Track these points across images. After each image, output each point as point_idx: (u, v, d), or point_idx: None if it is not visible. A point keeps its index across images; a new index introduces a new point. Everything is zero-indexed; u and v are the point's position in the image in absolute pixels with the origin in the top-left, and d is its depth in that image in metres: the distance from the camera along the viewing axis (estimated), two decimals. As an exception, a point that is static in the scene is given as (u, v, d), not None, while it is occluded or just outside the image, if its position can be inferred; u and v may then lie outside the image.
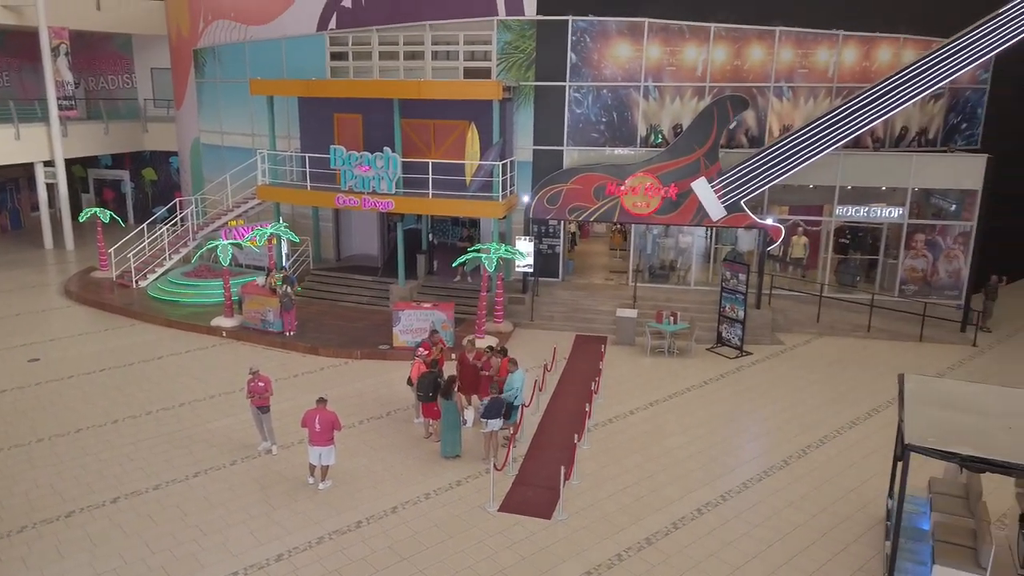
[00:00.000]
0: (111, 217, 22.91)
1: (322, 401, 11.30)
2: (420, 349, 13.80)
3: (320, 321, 19.01)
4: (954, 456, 8.21)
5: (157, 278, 21.77)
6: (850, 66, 19.79)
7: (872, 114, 17.21)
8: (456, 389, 12.52)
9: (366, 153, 18.98)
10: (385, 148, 18.85)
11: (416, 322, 17.10)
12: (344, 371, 16.33)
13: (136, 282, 21.65)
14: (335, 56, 21.55)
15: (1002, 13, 16.39)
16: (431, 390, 12.57)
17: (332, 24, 21.32)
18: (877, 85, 17.16)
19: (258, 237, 19.22)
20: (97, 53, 31.80)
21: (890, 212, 19.36)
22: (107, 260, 22.84)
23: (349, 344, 17.47)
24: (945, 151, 20.71)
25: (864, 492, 11.34)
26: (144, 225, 23.15)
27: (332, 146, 19.29)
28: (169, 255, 22.22)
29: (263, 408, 12.19)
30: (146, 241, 22.61)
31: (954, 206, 19.28)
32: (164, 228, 22.61)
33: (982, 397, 9.61)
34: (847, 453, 12.61)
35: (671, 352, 17.30)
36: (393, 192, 18.93)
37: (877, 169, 19.39)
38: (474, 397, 13.55)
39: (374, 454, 12.43)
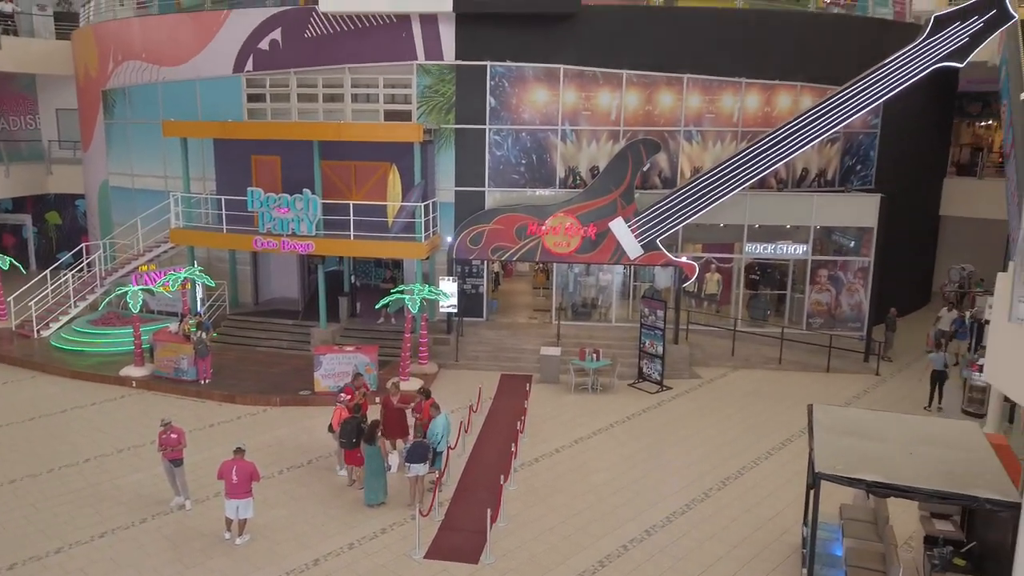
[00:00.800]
0: (11, 263, 21.71)
1: (239, 451, 10.94)
2: (342, 394, 13.57)
3: (237, 368, 18.45)
4: (861, 483, 8.63)
5: (61, 327, 20.69)
6: (753, 111, 20.90)
7: (775, 157, 18.18)
8: (380, 434, 12.35)
9: (285, 195, 18.74)
10: (305, 190, 18.66)
11: (339, 366, 16.82)
12: (263, 419, 15.85)
13: (38, 332, 20.50)
14: (252, 98, 21.32)
15: (888, 63, 17.69)
16: (354, 436, 12.34)
17: (249, 66, 21.11)
18: (778, 129, 18.17)
19: (171, 282, 18.60)
20: (-3, 93, 30.43)
21: (795, 249, 20.38)
22: (5, 309, 21.58)
23: (268, 391, 17.00)
24: (843, 191, 22.01)
25: (781, 521, 11.72)
26: (47, 272, 22.00)
27: (250, 188, 18.97)
28: (74, 303, 21.18)
29: (176, 461, 11.70)
30: (49, 288, 21.48)
31: (853, 243, 20.46)
32: (69, 274, 21.57)
33: (885, 425, 10.14)
34: (764, 483, 13.03)
35: (594, 389, 17.56)
36: (313, 234, 18.71)
37: (782, 208, 20.42)
38: (399, 441, 13.40)
39: (295, 504, 12.07)
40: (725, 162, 18.36)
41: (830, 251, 20.64)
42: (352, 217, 18.60)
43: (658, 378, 17.87)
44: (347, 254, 20.68)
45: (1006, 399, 14.33)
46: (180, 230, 20.04)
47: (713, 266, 21.03)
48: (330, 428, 13.22)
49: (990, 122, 28.13)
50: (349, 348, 17.49)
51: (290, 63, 20.82)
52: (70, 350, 19.51)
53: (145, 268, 19.48)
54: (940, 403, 16.83)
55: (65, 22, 28.81)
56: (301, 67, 20.77)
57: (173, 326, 18.78)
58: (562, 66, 19.89)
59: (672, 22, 20.46)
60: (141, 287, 17.86)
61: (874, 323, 20.16)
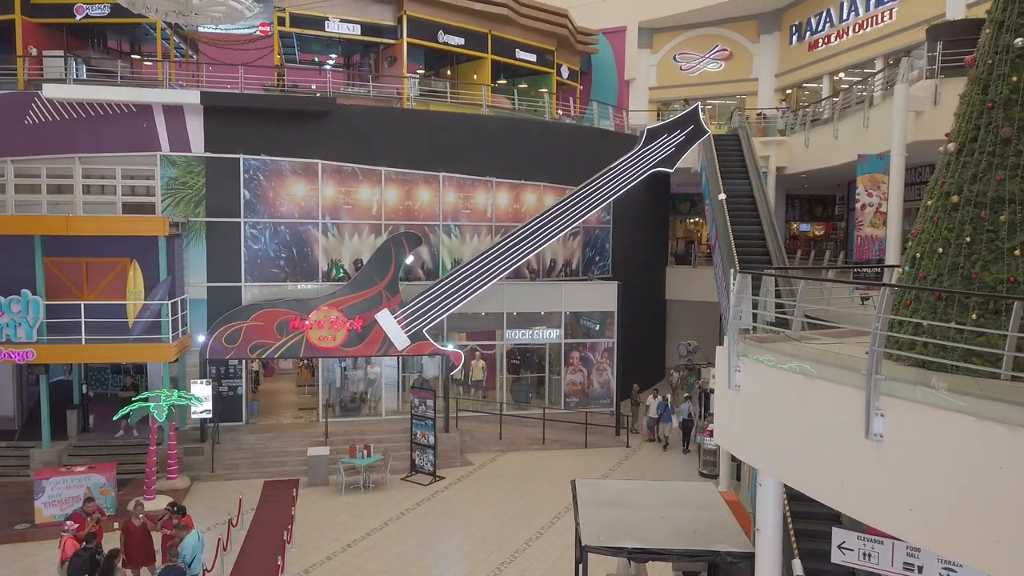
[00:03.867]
0: None
1: None
2: (68, 522, 11.81)
3: (-71, 506, 15.26)
4: (621, 551, 9.23)
5: None
6: (504, 207, 22.49)
7: (526, 249, 19.59)
8: (120, 564, 10.86)
9: (-2, 296, 16.35)
10: (23, 290, 16.43)
11: (67, 490, 14.60)
12: (-35, 566, 13.16)
13: None
14: (-46, 188, 18.63)
15: (614, 167, 20.13)
16: (86, 570, 10.71)
17: (-50, 152, 18.49)
18: (527, 224, 19.68)
19: None
20: None
21: (550, 333, 21.86)
22: None
23: (-28, 530, 14.22)
24: (586, 279, 24.22)
25: (556, 597, 12.05)
26: None
27: (-50, 290, 16.30)
28: None
29: None
30: None
31: (598, 326, 22.45)
32: None
33: (638, 492, 11.02)
34: (538, 562, 13.37)
35: (367, 487, 17.02)
36: (34, 340, 16.42)
37: (535, 296, 21.94)
38: (144, 570, 11.86)
39: (11, 666, 10.05)
40: (482, 254, 19.40)
41: (580, 334, 22.42)
42: (84, 319, 16.66)
43: (431, 469, 17.81)
44: (79, 360, 18.34)
45: (732, 459, 16.31)
46: None
47: (478, 353, 21.79)
48: (61, 563, 11.34)
49: (697, 219, 32.89)
50: (80, 468, 15.28)
51: (5, 151, 18.64)
52: None
53: None
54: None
55: None
56: (20, 155, 18.66)
57: None
58: (320, 161, 19.98)
59: (424, 124, 21.58)
60: None
61: (621, 399, 22.04)
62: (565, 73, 28.75)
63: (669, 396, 21.32)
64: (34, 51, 20.96)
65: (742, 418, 8.62)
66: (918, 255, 7.42)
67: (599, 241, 25.13)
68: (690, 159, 22.63)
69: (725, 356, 8.65)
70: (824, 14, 26.52)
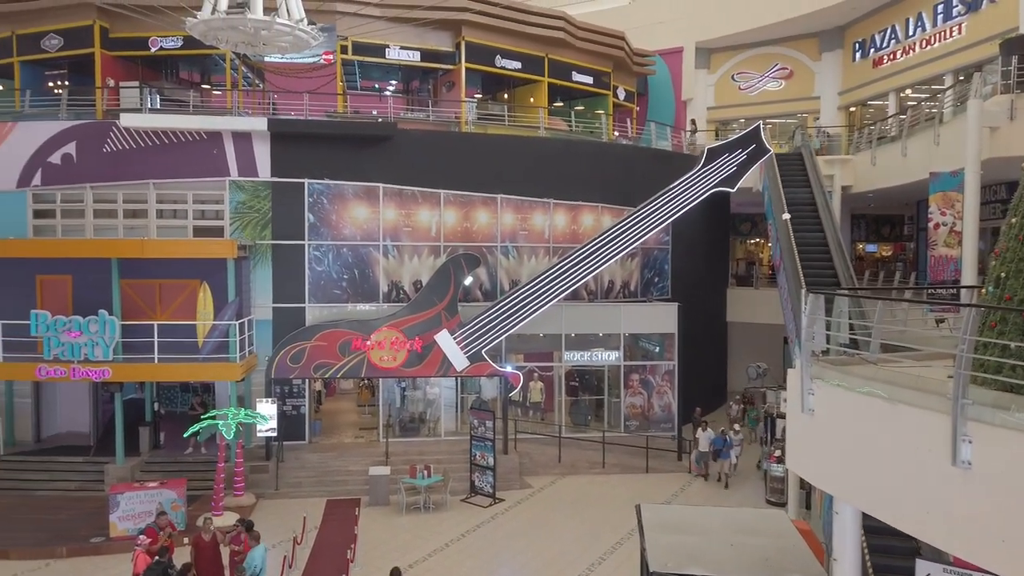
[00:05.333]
0: None
1: None
2: (142, 537, 12.15)
3: (11, 516, 15.93)
4: (691, 577, 9.01)
5: None
6: (562, 229, 22.49)
7: (585, 270, 19.53)
8: (193, 579, 11.10)
9: (76, 317, 17.06)
10: (101, 311, 17.12)
11: (140, 505, 15.05)
12: (45, 575, 13.66)
13: None
14: (39, 214, 19.61)
15: (673, 187, 19.97)
16: (161, 584, 10.98)
17: (36, 180, 19.48)
18: (585, 246, 19.63)
19: (-73, 422, 15.95)
20: None
21: (608, 355, 21.65)
22: None
23: (52, 541, 14.75)
24: (644, 301, 23.97)
25: (619, 625, 11.81)
26: None
27: (34, 311, 17.07)
28: None
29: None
30: None
31: (658, 348, 22.15)
32: None
33: (705, 518, 10.77)
34: (600, 588, 13.15)
35: (427, 507, 17.05)
36: (110, 359, 17.06)
37: (593, 318, 21.79)
38: (216, 585, 12.10)
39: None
40: (540, 276, 19.41)
41: (639, 356, 22.15)
42: (156, 339, 17.24)
43: (490, 491, 17.77)
44: (151, 379, 19.00)
45: (802, 486, 15.82)
46: (-58, 361, 17.43)
47: (536, 375, 21.73)
48: (133, 578, 11.67)
49: (758, 240, 32.30)
50: (152, 484, 15.75)
51: (86, 178, 19.53)
52: None
53: None
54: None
55: None
56: (99, 182, 19.53)
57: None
58: (381, 185, 20.36)
59: (482, 147, 21.83)
60: None
61: (683, 423, 21.63)
62: (622, 95, 28.75)
63: (727, 429, 19.88)
64: (112, 83, 22.00)
65: (816, 443, 8.36)
66: (1003, 275, 7.12)
67: (658, 262, 24.90)
68: (751, 178, 22.30)
69: (797, 379, 8.42)
70: (889, 30, 25.92)
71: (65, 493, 17.46)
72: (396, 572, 11.13)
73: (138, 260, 17.88)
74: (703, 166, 20.21)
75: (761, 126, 20.55)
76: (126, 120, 18.97)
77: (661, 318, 21.91)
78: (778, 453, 17.23)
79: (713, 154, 20.31)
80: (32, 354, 17.18)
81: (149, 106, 21.08)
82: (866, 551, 11.32)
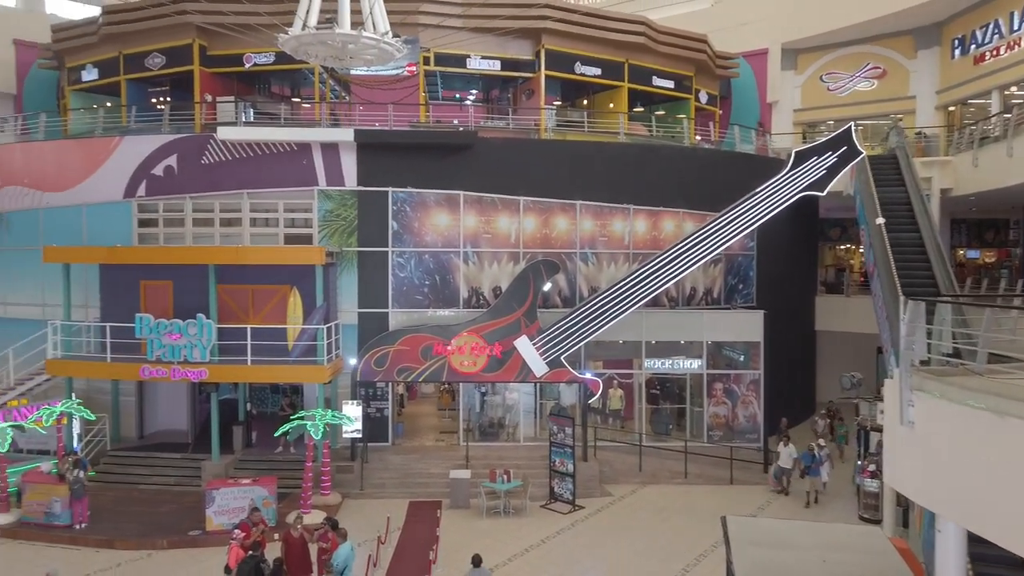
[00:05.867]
0: None
1: None
2: (236, 531, 12.65)
3: (117, 509, 16.87)
4: (782, 592, 8.72)
5: (-93, 472, 18.35)
6: (642, 235, 22.23)
7: (666, 277, 19.22)
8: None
9: (177, 320, 17.98)
10: (199, 315, 17.99)
11: (233, 501, 15.71)
12: (146, 565, 14.42)
13: None
14: (143, 223, 20.78)
15: (759, 192, 19.44)
16: (254, 577, 11.41)
17: (141, 191, 20.67)
18: (667, 251, 19.34)
19: (44, 417, 17.08)
20: None
21: (690, 363, 21.23)
22: None
23: (153, 532, 15.57)
24: (728, 308, 23.41)
25: (704, 639, 11.55)
26: None
27: (138, 314, 18.09)
28: (-74, 444, 18.93)
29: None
30: None
31: (742, 357, 21.58)
32: (-79, 412, 19.38)
33: (796, 533, 10.40)
34: (683, 600, 12.90)
35: (507, 512, 17.13)
36: (207, 360, 17.89)
37: (675, 325, 21.42)
38: (304, 581, 12.49)
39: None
40: (620, 282, 19.24)
41: (723, 365, 21.63)
42: (249, 342, 17.97)
43: (570, 497, 17.70)
44: (244, 380, 19.81)
45: (899, 502, 15.10)
46: (58, 360, 18.65)
47: (616, 382, 21.53)
48: (227, 569, 12.18)
49: (849, 245, 31.07)
50: (245, 481, 16.44)
51: (186, 189, 20.56)
52: (-82, 499, 17.28)
53: (15, 403, 17.80)
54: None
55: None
56: (197, 192, 20.53)
57: (45, 465, 17.10)
58: (462, 192, 20.64)
59: (561, 154, 21.84)
60: (10, 423, 16.29)
61: (769, 434, 20.98)
62: (704, 98, 28.24)
63: (815, 444, 18.76)
64: (209, 98, 23.18)
65: (916, 457, 7.98)
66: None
67: (742, 269, 24.29)
68: (842, 182, 21.49)
69: (896, 390, 8.07)
70: (991, 25, 24.55)
71: (165, 487, 18.40)
72: (477, 558, 11.34)
73: (233, 266, 18.69)
74: (790, 170, 19.59)
75: (853, 127, 19.79)
76: (223, 133, 19.89)
77: (746, 326, 21.35)
78: (872, 467, 16.50)
79: (801, 157, 19.67)
80: (136, 355, 18.20)
81: (243, 120, 22.07)
82: (970, 569, 10.69)
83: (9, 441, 16.18)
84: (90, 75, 25.10)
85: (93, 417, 18.67)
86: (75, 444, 18.45)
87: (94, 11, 25.33)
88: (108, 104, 24.87)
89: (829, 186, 19.69)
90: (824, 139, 20.17)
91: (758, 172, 21.54)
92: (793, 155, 19.86)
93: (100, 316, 19.71)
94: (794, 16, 28.92)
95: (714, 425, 21.33)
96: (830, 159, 19.59)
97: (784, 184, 19.61)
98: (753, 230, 20.68)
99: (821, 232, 30.05)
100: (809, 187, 19.59)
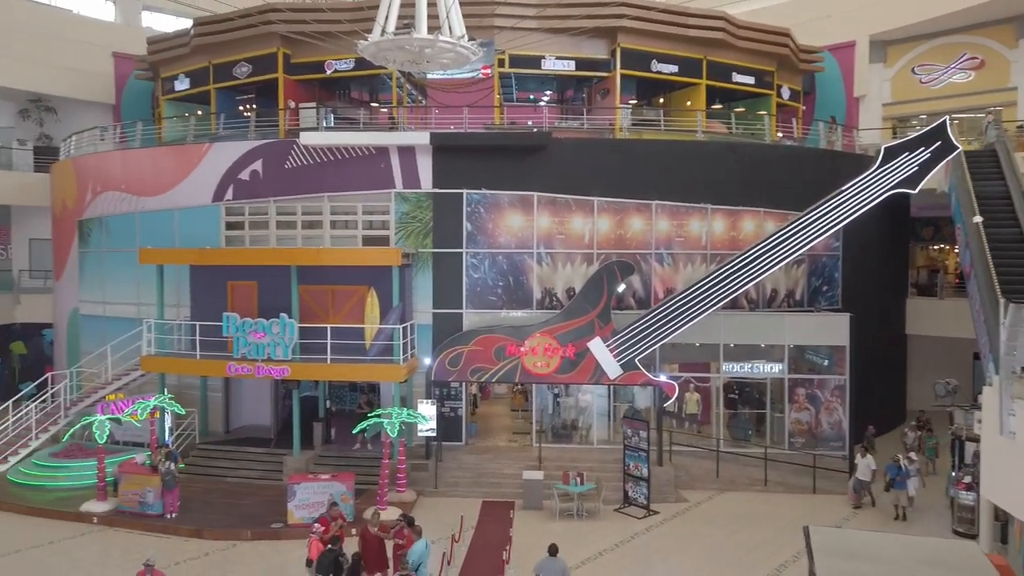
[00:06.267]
0: (-31, 395, 20.93)
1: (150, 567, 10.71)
2: (316, 525, 12.98)
3: (205, 500, 17.61)
4: (869, 608, 8.32)
5: (20, 461, 19.64)
6: (720, 235, 21.67)
7: (745, 278, 18.71)
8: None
9: (261, 319, 18.62)
10: (282, 314, 18.59)
11: (313, 495, 16.16)
12: (232, 555, 14.98)
13: (-7, 466, 19.47)
14: (230, 226, 21.61)
15: (845, 190, 18.70)
16: (331, 570, 11.69)
17: (228, 195, 21.52)
18: (747, 252, 18.81)
19: (139, 411, 18.01)
20: (-30, 223, 30.38)
21: (771, 368, 20.57)
22: (-39, 443, 20.52)
23: (238, 524, 16.17)
24: (811, 311, 22.57)
25: (784, 653, 11.15)
26: (8, 403, 21.14)
27: (225, 313, 18.84)
28: (36, 435, 20.22)
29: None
30: (10, 420, 20.56)
31: (826, 361, 20.75)
32: (32, 405, 20.76)
33: (885, 546, 9.91)
34: (762, 612, 12.49)
35: (580, 515, 17.01)
36: (289, 358, 18.47)
37: (755, 328, 20.79)
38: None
39: (267, 650, 11.20)
40: (698, 283, 18.83)
41: (805, 369, 20.86)
42: (329, 340, 18.45)
43: (644, 502, 17.42)
44: (324, 378, 20.35)
45: (997, 516, 14.20)
46: (152, 357, 19.62)
47: (692, 385, 21.08)
48: (308, 562, 12.52)
49: (942, 245, 29.51)
50: (324, 476, 16.89)
51: (270, 192, 21.28)
52: (29, 484, 18.53)
53: (112, 397, 18.84)
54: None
55: (44, 156, 29.32)
56: (281, 196, 21.22)
57: (140, 457, 18.02)
58: (536, 193, 20.62)
59: (636, 153, 21.52)
60: (108, 416, 17.23)
61: (854, 442, 20.10)
62: (786, 94, 27.36)
63: (902, 456, 17.70)
64: (292, 104, 23.97)
65: (1017, 470, 7.48)
66: None
67: (827, 269, 23.38)
68: (935, 179, 20.45)
69: (995, 399, 7.59)
70: (1104, 7, 22.90)
71: (249, 481, 19.09)
72: (553, 547, 11.36)
73: (314, 267, 19.26)
74: (879, 166, 18.78)
75: (947, 121, 18.78)
76: (305, 138, 20.51)
77: (830, 329, 20.52)
78: (968, 479, 15.58)
79: (891, 153, 18.82)
80: (223, 353, 18.96)
81: (324, 125, 22.70)
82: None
83: (107, 433, 17.08)
84: (182, 85, 26.38)
85: (183, 412, 19.60)
86: (167, 437, 19.37)
87: (186, 23, 26.55)
88: (199, 112, 26.04)
89: (922, 183, 18.79)
90: (916, 134, 19.24)
91: (844, 169, 20.72)
92: (882, 151, 19.03)
93: (190, 315, 20.63)
94: (884, 6, 27.70)
95: (796, 432, 20.59)
96: (923, 155, 18.69)
97: (872, 181, 18.82)
98: (838, 230, 19.92)
99: (912, 231, 28.64)
100: (899, 184, 18.74)
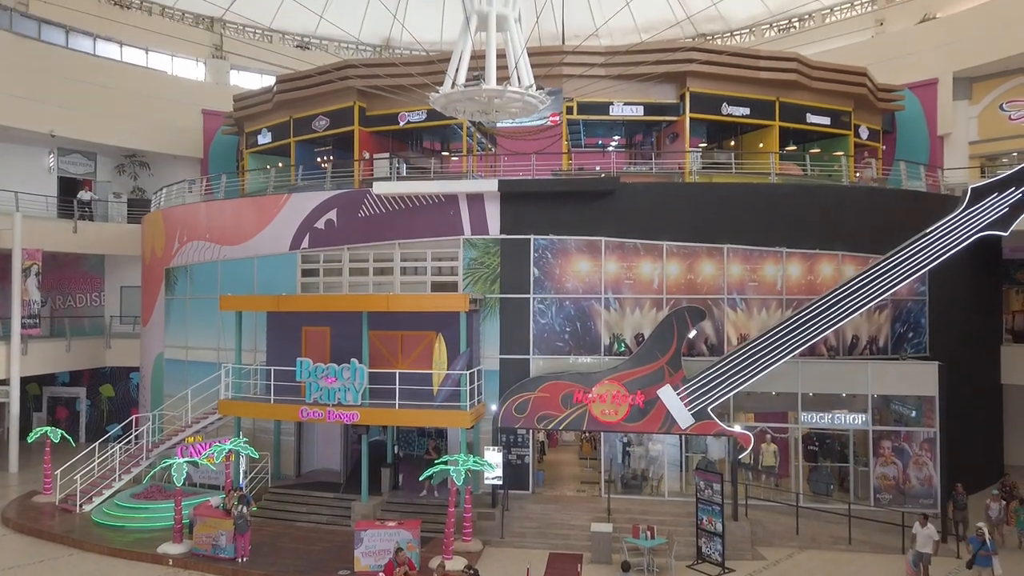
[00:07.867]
0: (62, 436, 21.96)
1: None
2: (382, 573, 12.91)
3: (275, 544, 17.80)
4: None
5: (103, 501, 20.41)
6: (796, 280, 20.97)
7: (824, 324, 17.98)
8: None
9: (333, 364, 18.95)
10: (352, 359, 18.88)
11: (380, 543, 16.13)
12: (299, 601, 15.01)
13: (80, 506, 20.22)
14: (306, 272, 22.27)
15: (930, 232, 17.87)
16: (395, 621, 11.56)
17: (305, 243, 22.23)
18: (825, 297, 18.11)
19: (216, 454, 18.48)
20: (68, 272, 32.27)
21: (853, 419, 19.57)
22: (51, 483, 21.49)
23: (306, 570, 16.25)
24: (896, 359, 21.46)
25: None
26: (96, 444, 22.09)
27: (299, 358, 19.26)
28: (119, 476, 21.02)
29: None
30: (96, 461, 21.46)
31: (914, 412, 19.61)
32: (117, 447, 21.64)
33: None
34: None
35: (650, 570, 16.37)
36: (359, 403, 18.67)
37: (835, 376, 19.88)
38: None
39: None
40: (773, 329, 18.20)
41: (891, 421, 19.75)
42: (398, 386, 18.58)
43: (719, 559, 16.65)
44: (392, 423, 20.49)
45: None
46: (228, 401, 20.19)
47: (768, 436, 20.23)
48: (371, 612, 12.44)
49: (1040, 288, 27.78)
50: (391, 523, 16.85)
51: (344, 240, 21.87)
52: (110, 525, 19.16)
53: (191, 440, 19.46)
54: None
55: (137, 208, 31.10)
56: (354, 243, 21.77)
57: (214, 500, 18.43)
58: (603, 238, 20.50)
59: (707, 196, 21.20)
60: (186, 459, 17.74)
61: (946, 499, 18.80)
62: (864, 134, 26.58)
63: (985, 528, 15.37)
64: (367, 155, 24.76)
65: None
66: None
67: (912, 315, 22.26)
68: (1029, 220, 19.31)
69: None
70: None
71: (318, 525, 19.24)
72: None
73: (384, 313, 19.56)
74: (966, 207, 17.92)
75: (1040, 159, 17.83)
76: (378, 188, 21.06)
77: (917, 378, 19.42)
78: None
79: (979, 194, 17.95)
80: (296, 397, 19.35)
81: (397, 175, 23.31)
82: None
83: (184, 476, 17.57)
84: (264, 138, 27.68)
85: (257, 455, 20.00)
86: (241, 480, 19.79)
87: (269, 81, 27.93)
88: (280, 164, 27.21)
89: (1013, 225, 17.79)
90: (1006, 173, 18.31)
91: (928, 211, 19.86)
92: (969, 191, 18.18)
93: (266, 359, 21.22)
94: (968, 43, 26.77)
95: (882, 487, 19.40)
96: (1014, 195, 17.74)
97: (959, 223, 17.98)
98: (924, 274, 19.00)
99: (1006, 274, 27.05)
100: (989, 226, 17.83)
